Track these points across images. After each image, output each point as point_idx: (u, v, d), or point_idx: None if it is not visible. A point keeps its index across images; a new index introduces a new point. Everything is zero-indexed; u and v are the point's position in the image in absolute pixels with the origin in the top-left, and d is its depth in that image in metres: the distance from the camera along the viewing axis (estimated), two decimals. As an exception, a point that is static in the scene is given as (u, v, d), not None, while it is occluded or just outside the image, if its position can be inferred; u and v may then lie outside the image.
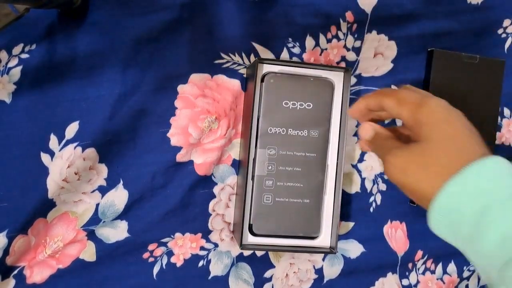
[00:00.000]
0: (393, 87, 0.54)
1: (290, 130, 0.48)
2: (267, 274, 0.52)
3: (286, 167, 0.48)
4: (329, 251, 0.48)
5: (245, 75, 0.50)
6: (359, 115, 0.39)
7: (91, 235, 0.48)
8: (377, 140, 0.37)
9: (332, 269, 0.54)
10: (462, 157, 0.29)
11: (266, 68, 0.48)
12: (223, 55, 0.50)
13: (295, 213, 0.48)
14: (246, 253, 0.51)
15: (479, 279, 0.58)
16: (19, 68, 0.45)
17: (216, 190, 0.50)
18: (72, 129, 0.47)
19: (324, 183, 0.49)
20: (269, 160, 0.47)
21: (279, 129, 0.47)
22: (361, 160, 0.54)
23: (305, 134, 0.48)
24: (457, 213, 0.28)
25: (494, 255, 0.27)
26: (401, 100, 0.33)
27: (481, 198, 0.28)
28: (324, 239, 0.49)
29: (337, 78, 0.49)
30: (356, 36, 0.53)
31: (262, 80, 0.47)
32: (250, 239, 0.48)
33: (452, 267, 0.57)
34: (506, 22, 0.57)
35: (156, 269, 0.49)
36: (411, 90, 0.34)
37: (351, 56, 0.53)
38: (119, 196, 0.48)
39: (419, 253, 0.56)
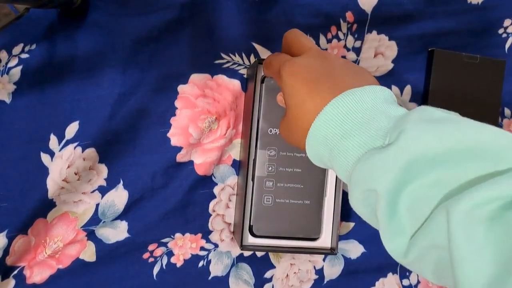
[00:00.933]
0: (393, 87, 0.54)
1: None
2: (268, 275, 0.52)
3: (287, 168, 0.48)
4: (330, 252, 0.48)
5: (245, 76, 0.50)
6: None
7: (91, 235, 0.48)
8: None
9: (333, 270, 0.54)
10: (308, 109, 0.31)
11: None
12: (223, 55, 0.50)
13: (295, 214, 0.48)
14: (246, 253, 0.51)
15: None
16: (19, 68, 0.45)
17: (216, 190, 0.50)
18: (72, 129, 0.47)
19: (324, 184, 0.49)
20: (269, 161, 0.47)
21: (278, 130, 0.47)
22: (361, 160, 0.54)
23: None
24: (318, 155, 0.32)
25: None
26: (272, 74, 0.36)
27: (327, 143, 0.30)
28: (324, 240, 0.49)
29: None
30: (356, 36, 0.53)
31: (262, 81, 0.47)
32: (251, 240, 0.47)
33: (452, 268, 0.57)
34: (507, 22, 0.57)
35: (156, 269, 0.49)
36: (277, 58, 0.35)
37: (351, 56, 0.53)
38: (119, 196, 0.48)
39: (420, 253, 0.56)
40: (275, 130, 0.47)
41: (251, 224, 0.47)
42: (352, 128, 0.29)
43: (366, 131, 0.28)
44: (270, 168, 0.47)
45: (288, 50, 0.37)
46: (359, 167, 0.28)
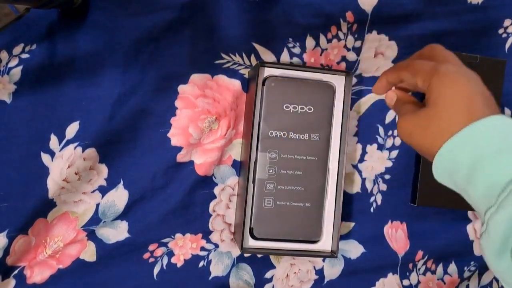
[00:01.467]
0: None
1: (291, 134, 0.47)
2: (268, 275, 0.52)
3: (287, 170, 0.47)
4: (330, 255, 0.48)
5: (246, 76, 0.50)
6: (383, 91, 0.41)
7: (91, 235, 0.48)
8: (397, 106, 0.39)
9: (333, 270, 0.54)
10: (462, 119, 0.31)
11: (268, 71, 0.48)
12: (223, 55, 0.50)
13: (296, 217, 0.48)
14: (247, 254, 0.51)
15: (479, 279, 0.58)
16: (20, 68, 0.45)
17: (216, 190, 0.50)
18: (72, 129, 0.47)
19: (325, 187, 0.49)
20: (270, 164, 0.47)
21: (280, 133, 0.47)
22: (361, 160, 0.54)
23: (306, 137, 0.48)
24: (455, 163, 0.32)
25: (481, 201, 0.30)
26: (415, 71, 0.36)
27: (474, 151, 0.30)
28: (325, 243, 0.49)
29: (338, 81, 0.49)
30: (356, 36, 0.53)
31: (263, 84, 0.47)
32: (251, 242, 0.47)
33: (452, 268, 0.57)
34: (507, 22, 0.57)
35: (156, 270, 0.49)
36: (425, 59, 0.36)
37: (351, 56, 0.53)
38: (119, 196, 0.48)
39: (420, 253, 0.56)
40: (276, 133, 0.47)
41: (252, 226, 0.47)
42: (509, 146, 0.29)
43: None
44: (271, 171, 0.47)
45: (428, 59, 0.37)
46: None
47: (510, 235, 0.27)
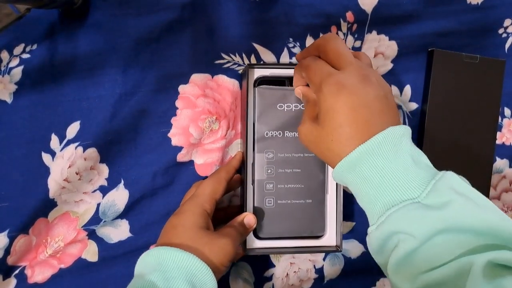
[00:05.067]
0: (393, 87, 0.54)
1: (287, 133, 0.47)
2: (268, 273, 0.52)
3: (286, 169, 0.47)
4: (335, 250, 0.48)
5: (240, 72, 0.50)
6: (299, 84, 0.43)
7: (92, 235, 0.48)
8: (304, 102, 0.43)
9: (333, 269, 0.54)
10: (347, 142, 0.35)
11: (258, 72, 0.47)
12: (223, 55, 0.50)
13: (298, 213, 0.48)
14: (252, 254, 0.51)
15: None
16: (20, 68, 0.45)
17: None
18: (73, 129, 0.47)
19: (325, 182, 0.49)
20: (268, 164, 0.47)
21: (275, 133, 0.47)
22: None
23: None
24: (345, 182, 0.37)
25: (366, 209, 0.37)
26: (308, 78, 0.38)
27: (359, 176, 0.35)
28: (329, 238, 0.49)
29: None
30: (356, 36, 0.53)
31: (255, 85, 0.47)
32: (255, 242, 0.47)
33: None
34: (507, 22, 0.57)
35: (157, 269, 0.49)
36: (319, 66, 0.37)
37: (351, 56, 0.53)
38: (120, 196, 0.48)
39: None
40: (271, 133, 0.47)
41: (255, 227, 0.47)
42: (389, 173, 0.34)
43: (403, 179, 0.34)
44: (269, 171, 0.47)
45: (324, 55, 0.38)
46: (400, 213, 0.33)
47: (382, 245, 0.36)
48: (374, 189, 0.35)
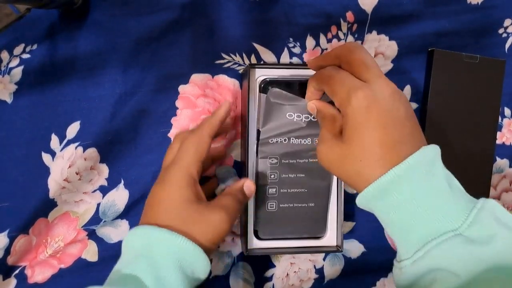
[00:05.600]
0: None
1: (293, 139, 0.46)
2: (268, 274, 0.52)
3: (289, 174, 0.46)
4: (336, 250, 0.48)
5: (241, 72, 0.50)
6: (313, 98, 0.40)
7: (92, 235, 0.48)
8: (318, 118, 0.39)
9: (333, 269, 0.54)
10: (376, 165, 0.31)
11: (259, 72, 0.45)
12: (224, 55, 0.50)
13: (300, 216, 0.47)
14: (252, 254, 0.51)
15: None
16: (20, 68, 0.45)
17: (217, 191, 0.50)
18: (73, 129, 0.47)
19: (329, 186, 0.48)
20: (271, 169, 0.46)
21: (281, 139, 0.45)
22: (361, 160, 0.54)
23: (309, 142, 0.46)
24: (371, 209, 0.34)
25: (396, 238, 0.33)
26: (332, 91, 0.35)
27: (387, 204, 0.32)
28: (329, 238, 0.49)
29: None
30: (356, 36, 0.53)
31: (263, 91, 0.44)
32: (256, 242, 0.47)
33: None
34: (507, 22, 0.57)
35: (157, 269, 0.49)
36: (343, 77, 0.34)
37: (351, 56, 0.53)
38: (120, 196, 0.48)
39: (420, 253, 0.56)
40: (276, 139, 0.45)
41: (256, 229, 0.47)
42: (425, 200, 0.31)
43: (442, 207, 0.31)
44: (272, 176, 0.46)
45: (348, 66, 0.35)
46: (442, 249, 0.30)
47: (414, 282, 0.32)
48: (408, 218, 0.31)
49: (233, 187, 0.41)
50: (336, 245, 0.49)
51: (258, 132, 0.45)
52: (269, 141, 0.45)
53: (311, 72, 0.43)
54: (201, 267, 0.35)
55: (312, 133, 0.46)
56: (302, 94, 0.44)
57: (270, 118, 0.45)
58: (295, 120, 0.45)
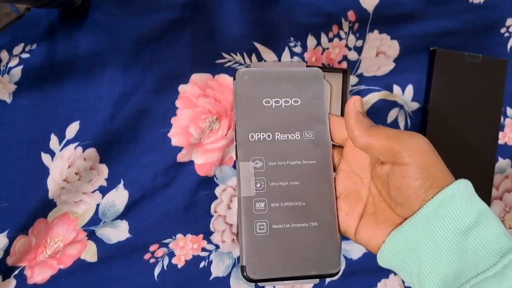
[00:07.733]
0: (395, 87, 0.54)
1: (278, 134, 0.35)
2: (269, 275, 0.52)
3: (280, 182, 0.34)
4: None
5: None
6: (338, 141, 0.35)
7: (92, 236, 0.48)
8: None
9: (334, 270, 0.53)
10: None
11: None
12: (224, 54, 0.49)
13: (300, 242, 0.34)
14: None
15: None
16: (20, 68, 0.45)
17: (217, 191, 0.50)
18: (72, 129, 0.47)
19: (333, 195, 0.35)
20: (256, 176, 0.34)
21: (263, 134, 0.35)
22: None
23: (298, 137, 0.35)
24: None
25: None
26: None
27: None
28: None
29: (336, 79, 0.49)
30: (357, 35, 0.52)
31: (234, 78, 0.35)
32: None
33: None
34: (509, 22, 0.56)
35: (157, 270, 0.49)
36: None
37: (352, 55, 0.53)
38: (119, 196, 0.48)
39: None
40: (257, 135, 0.35)
41: (243, 264, 0.33)
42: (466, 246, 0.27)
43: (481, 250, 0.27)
44: (258, 185, 0.34)
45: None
46: None
47: None
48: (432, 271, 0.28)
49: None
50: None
51: (235, 127, 0.35)
52: (249, 137, 0.35)
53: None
54: None
55: (299, 126, 0.36)
56: (280, 80, 0.36)
57: (243, 107, 0.35)
58: (273, 106, 0.35)
